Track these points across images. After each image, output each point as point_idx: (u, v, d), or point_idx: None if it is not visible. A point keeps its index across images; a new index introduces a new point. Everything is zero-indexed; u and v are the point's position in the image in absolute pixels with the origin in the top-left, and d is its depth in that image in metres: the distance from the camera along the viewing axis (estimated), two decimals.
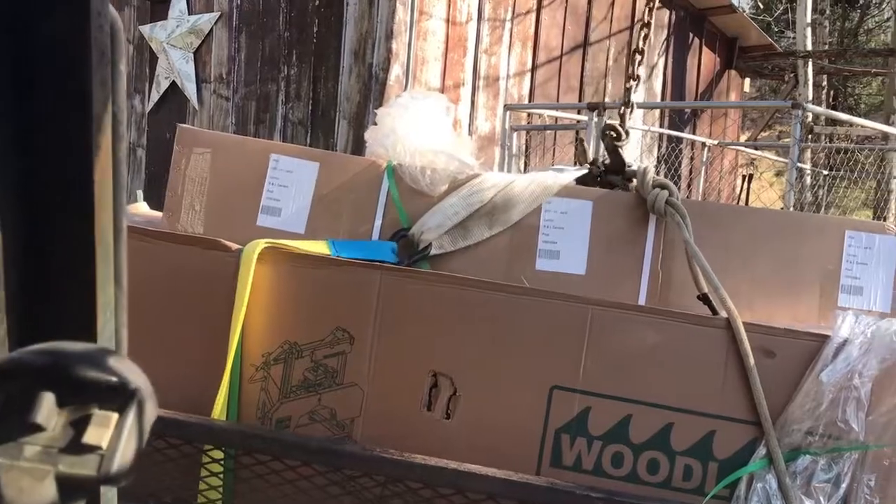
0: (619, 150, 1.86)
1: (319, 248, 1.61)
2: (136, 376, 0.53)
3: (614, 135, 1.85)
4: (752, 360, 1.36)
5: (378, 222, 1.80)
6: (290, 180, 1.81)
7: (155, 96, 8.82)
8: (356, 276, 1.46)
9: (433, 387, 1.43)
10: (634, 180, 1.83)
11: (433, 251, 1.71)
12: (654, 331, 1.41)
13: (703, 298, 1.65)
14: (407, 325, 1.46)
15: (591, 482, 1.37)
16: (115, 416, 0.51)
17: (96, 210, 0.57)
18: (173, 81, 8.53)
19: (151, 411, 0.54)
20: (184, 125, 1.92)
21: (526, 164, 7.10)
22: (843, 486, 1.31)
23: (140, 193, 7.82)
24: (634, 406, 1.39)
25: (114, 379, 0.52)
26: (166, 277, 1.53)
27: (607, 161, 1.91)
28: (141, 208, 2.07)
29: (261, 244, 1.48)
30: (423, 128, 1.85)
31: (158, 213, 1.96)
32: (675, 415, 1.38)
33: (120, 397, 0.52)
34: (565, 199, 1.78)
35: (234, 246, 1.51)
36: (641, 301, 1.73)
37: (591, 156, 1.94)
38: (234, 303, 1.46)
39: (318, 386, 1.46)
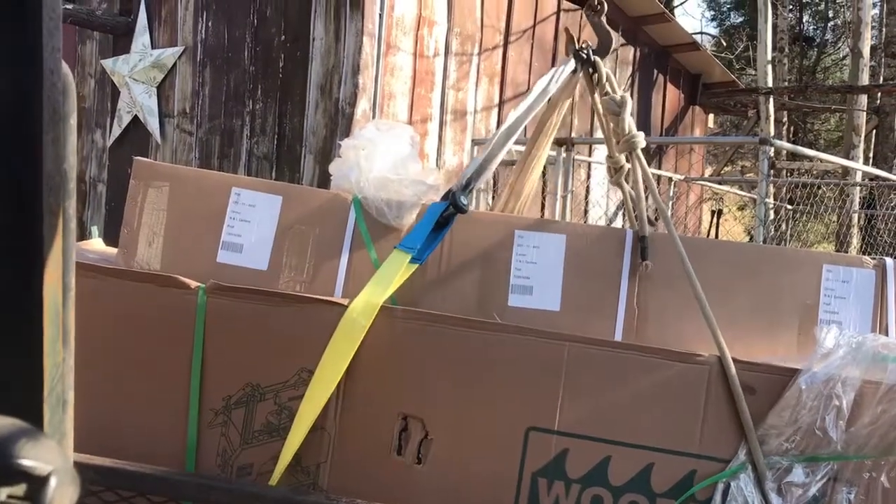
0: (603, 23, 1.91)
1: (402, 262, 1.48)
2: (53, 457, 0.48)
3: (598, 8, 1.90)
4: (741, 392, 1.32)
5: (345, 257, 1.73)
6: (252, 215, 1.74)
7: (116, 131, 8.69)
8: (320, 314, 1.39)
9: (403, 430, 1.37)
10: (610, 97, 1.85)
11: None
12: (632, 368, 1.36)
13: (642, 240, 1.69)
14: (375, 364, 1.38)
15: None
16: None
17: (45, 270, 0.54)
18: (135, 116, 8.42)
19: (70, 497, 0.49)
20: (140, 158, 1.84)
21: (494, 199, 7.08)
22: (814, 491, 1.27)
23: (96, 230, 7.68)
24: (613, 447, 1.34)
25: (25, 462, 0.46)
26: (120, 317, 1.45)
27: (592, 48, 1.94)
28: (95, 244, 1.98)
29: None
30: (388, 159, 1.79)
31: (115, 250, 1.87)
32: (655, 455, 1.33)
33: (34, 482, 0.46)
34: (538, 233, 1.72)
35: (194, 283, 1.43)
36: (618, 337, 1.68)
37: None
38: (193, 343, 1.38)
39: (282, 430, 1.37)
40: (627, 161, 1.81)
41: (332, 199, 1.78)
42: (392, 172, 1.76)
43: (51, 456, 0.48)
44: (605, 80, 1.86)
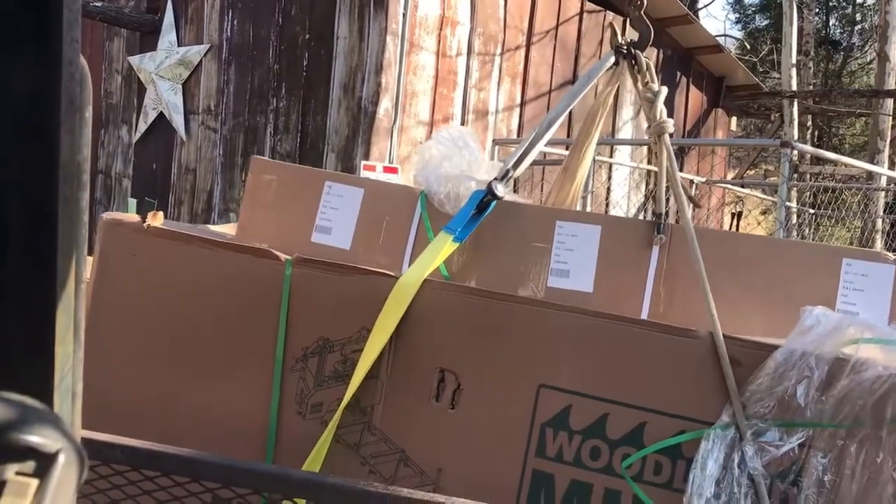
0: (643, 17, 2.03)
1: (445, 241, 1.76)
2: (61, 435, 0.48)
3: (638, 3, 2.02)
4: (728, 363, 1.44)
5: (411, 238, 2.02)
6: (340, 203, 2.08)
7: (142, 127, 8.80)
8: (377, 284, 1.64)
9: (441, 381, 1.60)
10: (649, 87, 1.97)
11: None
12: (633, 338, 1.52)
13: (658, 216, 1.90)
14: (419, 326, 1.62)
15: (572, 473, 1.51)
16: (35, 482, 0.45)
17: (58, 261, 0.54)
18: (161, 112, 8.52)
19: (77, 475, 0.49)
20: (257, 156, 2.18)
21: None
22: (786, 450, 1.37)
23: (133, 202, 7.89)
24: (611, 405, 1.50)
25: (34, 439, 0.46)
26: (226, 281, 1.73)
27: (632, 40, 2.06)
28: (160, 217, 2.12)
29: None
30: (453, 160, 2.04)
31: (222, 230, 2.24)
32: (649, 415, 1.48)
33: (42, 460, 0.46)
34: (576, 224, 1.93)
35: (283, 256, 1.69)
36: (644, 316, 1.80)
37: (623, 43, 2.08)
38: (281, 303, 1.67)
39: (346, 376, 1.63)
40: (656, 145, 1.94)
41: (403, 192, 2.10)
42: (453, 169, 2.01)
43: (59, 434, 0.48)
44: (645, 70, 2.00)
